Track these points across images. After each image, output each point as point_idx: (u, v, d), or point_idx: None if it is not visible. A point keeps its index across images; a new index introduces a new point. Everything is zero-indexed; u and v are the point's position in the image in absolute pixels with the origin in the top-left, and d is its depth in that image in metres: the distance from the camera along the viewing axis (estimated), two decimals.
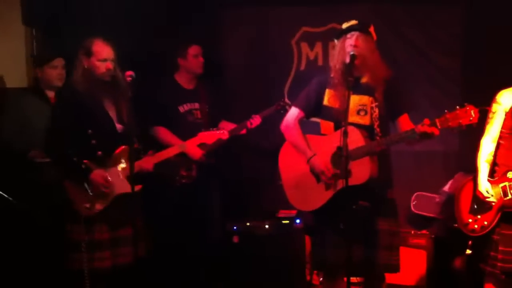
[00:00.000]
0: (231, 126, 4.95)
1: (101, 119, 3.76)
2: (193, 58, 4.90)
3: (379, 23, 3.80)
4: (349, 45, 3.62)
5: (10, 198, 3.96)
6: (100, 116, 3.76)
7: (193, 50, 4.91)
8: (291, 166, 3.86)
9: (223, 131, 4.33)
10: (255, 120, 4.89)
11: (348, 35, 3.65)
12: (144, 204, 3.90)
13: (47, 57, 4.48)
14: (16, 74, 4.86)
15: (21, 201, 3.99)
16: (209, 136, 4.27)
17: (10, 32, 4.97)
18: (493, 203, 3.81)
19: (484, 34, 4.98)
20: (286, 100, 5.02)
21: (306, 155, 3.77)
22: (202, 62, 4.93)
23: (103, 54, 3.76)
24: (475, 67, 5.04)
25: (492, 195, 3.81)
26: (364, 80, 3.67)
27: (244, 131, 4.91)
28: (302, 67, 5.54)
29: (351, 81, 3.48)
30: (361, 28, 3.66)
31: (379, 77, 3.65)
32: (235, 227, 4.93)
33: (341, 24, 3.77)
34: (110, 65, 3.76)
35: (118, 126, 3.81)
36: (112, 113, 3.81)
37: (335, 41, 3.76)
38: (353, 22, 3.69)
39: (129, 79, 3.59)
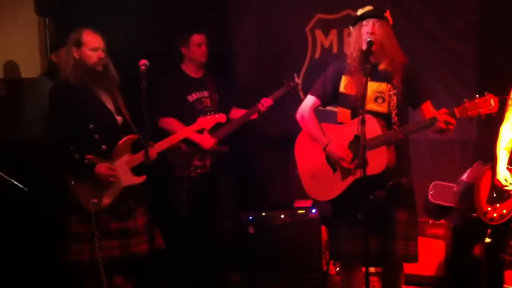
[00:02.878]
0: (243, 112, 4.89)
1: (100, 112, 3.71)
2: (196, 47, 4.78)
3: (392, 9, 3.71)
4: (365, 32, 3.56)
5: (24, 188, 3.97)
6: (99, 110, 3.71)
7: (196, 38, 4.78)
8: (308, 155, 3.83)
9: (221, 114, 4.28)
10: (266, 102, 4.76)
11: (364, 22, 3.59)
12: (159, 197, 3.85)
13: (63, 41, 4.34)
14: (30, 64, 4.85)
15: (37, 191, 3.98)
16: (208, 121, 4.23)
17: (23, 22, 4.95)
18: None
19: (500, 20, 4.88)
20: (296, 80, 4.90)
21: (322, 143, 3.73)
22: (205, 51, 4.81)
23: (94, 43, 3.70)
24: (491, 54, 4.93)
25: (511, 184, 3.77)
26: (382, 66, 3.62)
27: (255, 116, 4.83)
28: (317, 55, 5.45)
29: (368, 68, 3.40)
30: (377, 14, 3.59)
31: (397, 63, 3.59)
32: (250, 217, 4.91)
33: (356, 10, 3.72)
34: (101, 53, 3.71)
35: (118, 118, 3.76)
36: (110, 105, 3.76)
37: (351, 28, 3.70)
38: (368, 8, 3.63)
39: (143, 68, 3.48)
